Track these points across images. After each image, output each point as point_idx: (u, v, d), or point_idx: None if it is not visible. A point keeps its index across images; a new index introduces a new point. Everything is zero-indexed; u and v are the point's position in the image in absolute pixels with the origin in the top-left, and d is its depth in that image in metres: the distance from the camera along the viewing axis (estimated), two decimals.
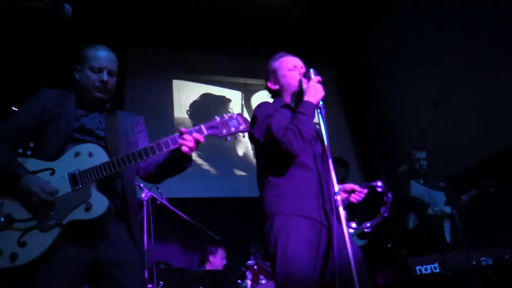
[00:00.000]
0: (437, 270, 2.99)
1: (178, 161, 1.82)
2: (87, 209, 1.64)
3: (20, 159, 1.75)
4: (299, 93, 2.13)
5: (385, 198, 2.12)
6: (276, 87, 2.24)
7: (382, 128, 6.70)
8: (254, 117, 2.09)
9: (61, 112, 1.86)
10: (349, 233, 1.77)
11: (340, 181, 1.94)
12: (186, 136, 1.72)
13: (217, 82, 6.55)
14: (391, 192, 2.17)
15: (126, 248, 1.77)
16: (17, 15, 4.22)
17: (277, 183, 1.99)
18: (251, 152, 6.09)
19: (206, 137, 1.78)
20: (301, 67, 2.23)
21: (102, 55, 1.94)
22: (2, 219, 1.64)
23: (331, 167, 1.87)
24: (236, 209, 5.28)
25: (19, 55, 4.63)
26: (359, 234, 4.27)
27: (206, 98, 6.39)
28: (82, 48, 2.01)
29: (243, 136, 1.80)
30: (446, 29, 5.30)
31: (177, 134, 1.74)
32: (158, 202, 3.71)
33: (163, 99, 6.06)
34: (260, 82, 6.42)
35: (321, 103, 2.03)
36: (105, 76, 1.91)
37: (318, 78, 2.07)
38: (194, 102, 6.28)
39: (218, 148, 5.96)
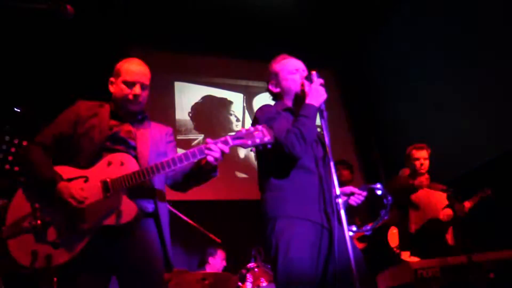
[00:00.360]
0: (438, 274, 2.98)
1: (204, 171, 1.94)
2: (118, 215, 1.77)
3: (57, 168, 1.86)
4: (301, 95, 2.12)
5: (384, 200, 2.12)
6: (277, 90, 2.23)
7: (384, 131, 6.69)
8: (255, 119, 2.09)
9: (95, 122, 1.98)
10: (350, 236, 1.77)
11: (344, 183, 1.94)
12: (212, 146, 1.81)
13: (218, 84, 6.55)
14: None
15: (149, 254, 1.87)
16: (19, 16, 4.24)
17: (278, 185, 1.99)
18: (252, 155, 6.08)
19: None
20: (303, 70, 2.21)
21: (136, 69, 2.04)
22: (39, 223, 1.74)
23: (333, 170, 1.87)
24: (237, 211, 5.28)
25: (19, 55, 4.63)
26: (359, 237, 4.26)
27: (207, 100, 6.39)
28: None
29: (268, 147, 1.83)
30: (448, 30, 5.30)
31: (203, 145, 1.83)
32: None
33: (165, 101, 6.06)
34: (261, 84, 6.38)
35: (323, 106, 2.03)
36: (137, 90, 2.01)
37: (321, 80, 2.07)
38: (196, 104, 6.28)
39: None
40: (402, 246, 3.87)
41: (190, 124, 6.07)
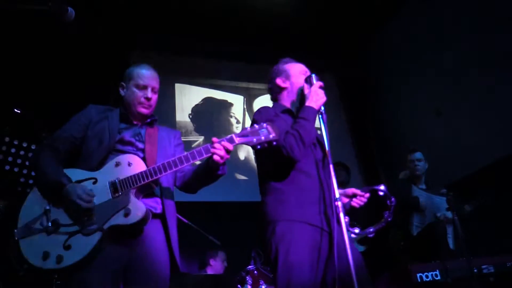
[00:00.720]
0: (438, 278, 2.98)
1: (211, 170, 1.95)
2: (126, 215, 1.79)
3: (67, 170, 1.90)
4: (301, 98, 2.12)
5: (388, 202, 2.09)
6: (286, 84, 2.24)
7: (383, 134, 6.69)
8: (254, 121, 2.09)
9: (105, 125, 2.03)
10: (350, 239, 1.76)
11: (341, 184, 1.93)
12: (216, 145, 1.83)
13: (219, 86, 6.55)
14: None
15: (156, 258, 1.90)
16: (20, 18, 4.25)
17: (278, 188, 1.99)
18: (252, 156, 6.08)
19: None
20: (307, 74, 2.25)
21: (147, 74, 2.12)
22: (50, 224, 1.78)
23: (332, 172, 1.86)
24: (236, 213, 5.27)
25: (19, 57, 4.64)
26: (360, 240, 4.25)
27: (208, 102, 6.40)
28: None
29: (274, 144, 1.83)
30: (447, 36, 5.31)
31: (210, 144, 1.86)
32: None
33: (165, 103, 6.06)
34: (262, 86, 6.42)
35: (322, 108, 2.03)
36: (149, 93, 2.09)
37: (320, 83, 2.07)
38: (196, 106, 6.29)
39: None
40: (403, 249, 3.87)
41: (190, 126, 6.07)
